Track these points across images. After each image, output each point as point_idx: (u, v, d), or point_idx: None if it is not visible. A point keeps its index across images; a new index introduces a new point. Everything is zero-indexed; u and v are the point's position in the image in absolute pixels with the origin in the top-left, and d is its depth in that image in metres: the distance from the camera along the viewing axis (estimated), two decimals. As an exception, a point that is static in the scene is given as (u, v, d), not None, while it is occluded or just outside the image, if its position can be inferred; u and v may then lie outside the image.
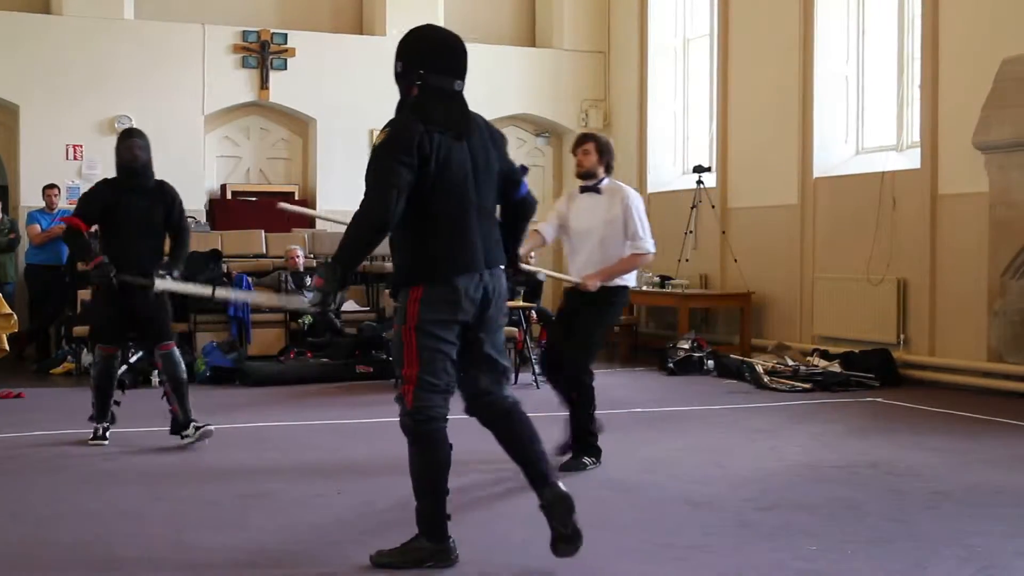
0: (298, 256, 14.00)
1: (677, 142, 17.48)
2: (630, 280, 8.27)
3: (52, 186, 14.57)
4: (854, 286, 13.54)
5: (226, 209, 16.23)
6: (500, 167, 5.51)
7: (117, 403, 9.05)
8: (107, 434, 8.79)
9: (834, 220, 14.01)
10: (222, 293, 10.95)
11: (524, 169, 5.83)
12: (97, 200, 8.74)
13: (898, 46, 13.73)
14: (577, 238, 8.08)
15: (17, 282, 14.15)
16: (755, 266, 15.04)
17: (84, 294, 13.55)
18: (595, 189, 8.00)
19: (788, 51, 14.60)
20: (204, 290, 10.36)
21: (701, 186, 15.66)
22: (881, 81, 14.12)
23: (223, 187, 16.65)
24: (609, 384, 12.63)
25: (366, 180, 5.32)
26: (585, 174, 8.02)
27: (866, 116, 14.36)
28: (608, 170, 8.07)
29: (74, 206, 14.88)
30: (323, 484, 7.32)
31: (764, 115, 15.06)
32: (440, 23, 17.19)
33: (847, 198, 13.83)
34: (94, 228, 8.82)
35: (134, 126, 15.46)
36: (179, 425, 8.74)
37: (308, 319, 13.60)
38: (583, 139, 8.14)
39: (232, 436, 9.28)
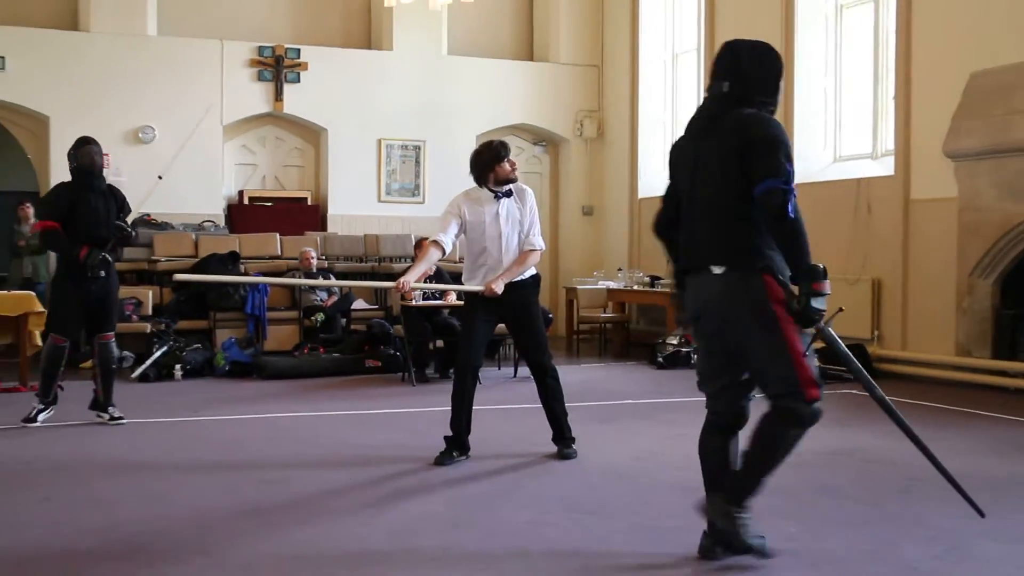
0: (311, 257, 14.00)
1: (665, 150, 17.38)
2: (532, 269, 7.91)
3: (82, 192, 14.59)
4: (833, 284, 13.50)
5: (243, 213, 16.23)
6: (732, 168, 4.95)
7: (60, 387, 9.30)
8: (39, 417, 9.01)
9: (813, 223, 13.77)
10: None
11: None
12: (63, 200, 8.99)
13: (873, 60, 13.76)
14: (492, 242, 7.70)
15: (48, 282, 14.15)
16: (739, 266, 15.04)
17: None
18: (508, 194, 7.76)
19: (770, 65, 14.60)
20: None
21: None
22: (857, 93, 14.17)
23: (240, 193, 16.64)
24: (602, 377, 12.70)
25: None
26: (509, 181, 7.77)
27: (843, 126, 14.40)
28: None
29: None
30: (335, 471, 7.36)
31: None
32: (444, 40, 17.40)
33: (825, 203, 13.80)
34: None
35: (157, 133, 15.61)
36: (98, 405, 9.19)
37: (320, 317, 13.63)
38: (504, 150, 7.81)
39: (250, 426, 9.37)
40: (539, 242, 7.83)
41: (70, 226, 8.85)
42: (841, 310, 5.49)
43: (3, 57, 15.23)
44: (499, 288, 7.51)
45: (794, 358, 4.97)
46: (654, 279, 15.61)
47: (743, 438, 5.27)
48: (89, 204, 8.94)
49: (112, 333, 9.22)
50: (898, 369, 12.52)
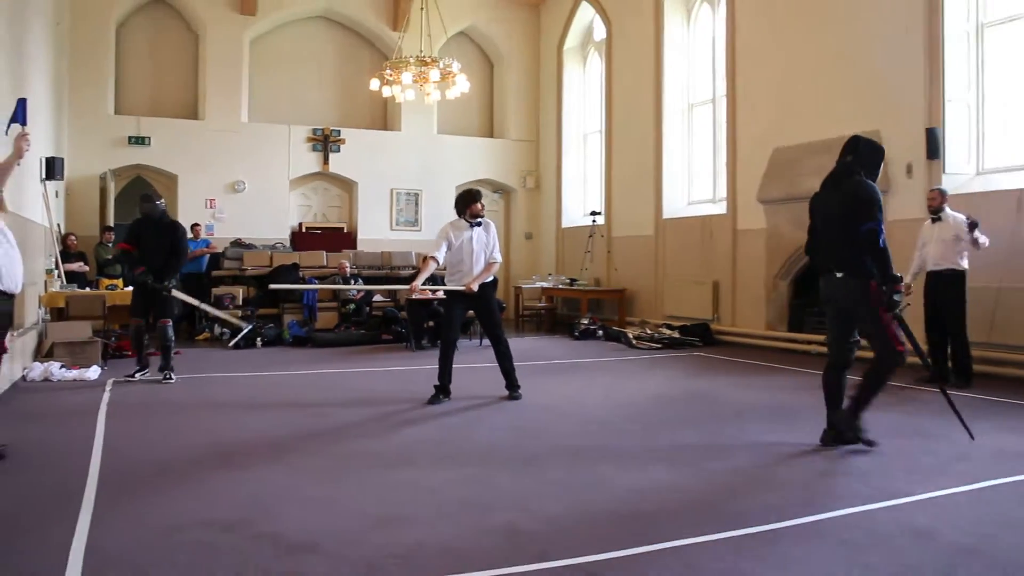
0: (346, 266, 13.95)
1: (580, 196, 17.55)
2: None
3: (197, 224, 14.50)
4: (688, 285, 13.65)
5: (302, 238, 16.15)
6: (848, 213, 5.53)
7: (178, 352, 9.33)
8: (137, 375, 8.84)
9: (675, 245, 14.14)
10: (205, 307, 11.06)
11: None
12: (134, 232, 9.05)
13: (713, 138, 13.86)
14: (467, 256, 7.74)
15: (173, 283, 14.06)
16: (628, 272, 15.14)
17: (217, 290, 13.53)
18: (478, 224, 7.80)
19: (647, 141, 14.70)
20: (193, 301, 10.57)
21: (595, 223, 15.76)
22: (703, 159, 14.23)
23: (300, 224, 16.54)
24: (538, 346, 12.71)
25: None
26: (478, 216, 7.81)
27: (694, 180, 14.47)
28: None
29: (208, 236, 14.94)
30: (360, 408, 7.34)
31: (634, 180, 15.14)
32: (434, 123, 17.37)
33: (683, 231, 13.94)
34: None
35: (243, 186, 15.49)
36: (160, 369, 8.87)
37: (352, 306, 13.57)
38: (478, 194, 7.90)
39: (305, 379, 9.30)
40: (498, 256, 7.89)
41: (139, 248, 8.94)
42: (908, 304, 5.98)
43: (149, 137, 15.15)
44: (475, 287, 7.58)
45: (887, 330, 5.51)
46: (572, 280, 15.67)
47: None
48: (149, 236, 8.95)
49: (168, 320, 8.94)
50: (730, 339, 12.60)
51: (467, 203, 7.80)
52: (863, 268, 5.49)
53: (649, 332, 12.90)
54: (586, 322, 13.95)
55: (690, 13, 14.42)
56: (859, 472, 5.02)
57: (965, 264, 8.35)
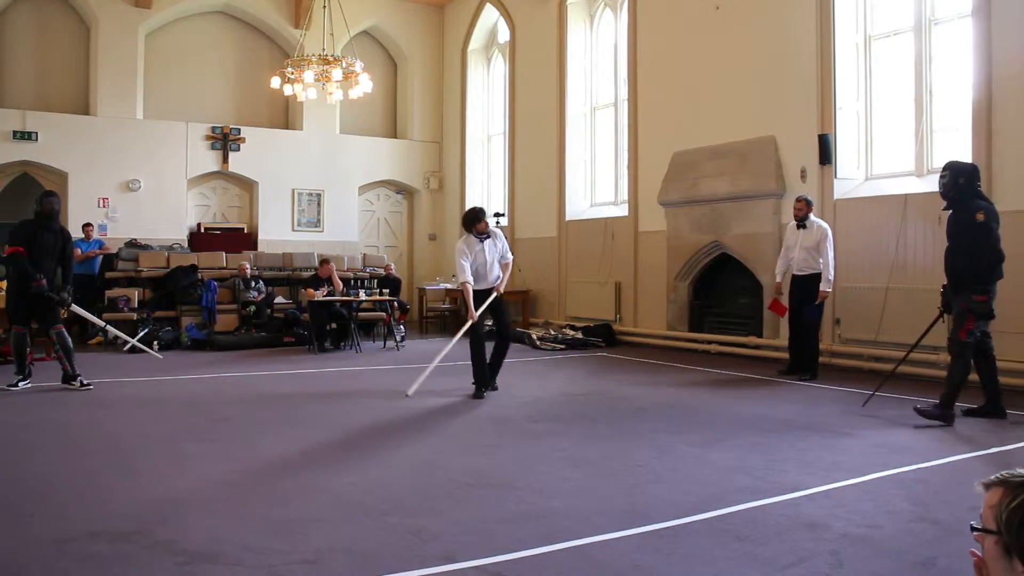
0: (246, 267, 13.68)
1: (484, 198, 17.57)
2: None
3: (88, 224, 14.00)
4: (590, 286, 13.81)
5: (200, 238, 15.74)
6: None
7: (32, 363, 8.69)
8: (20, 384, 8.33)
9: (578, 246, 14.30)
10: (110, 329, 10.76)
11: None
12: (28, 233, 8.35)
13: (615, 143, 14.07)
14: (482, 267, 8.37)
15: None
16: (532, 273, 15.23)
17: (111, 292, 13.08)
18: (487, 237, 8.40)
19: (550, 143, 14.84)
20: (98, 321, 10.27)
21: (499, 224, 15.75)
22: (605, 163, 14.44)
23: (199, 224, 16.13)
24: (441, 347, 12.68)
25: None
26: (484, 233, 8.37)
27: (597, 184, 14.67)
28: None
29: (101, 237, 14.42)
30: (262, 410, 7.23)
31: (537, 182, 15.26)
32: (337, 123, 17.17)
33: (585, 233, 14.11)
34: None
35: (138, 185, 15.02)
36: (68, 377, 8.42)
37: (252, 308, 13.30)
38: (482, 213, 8.44)
39: (206, 382, 9.08)
40: (510, 257, 8.69)
41: (31, 252, 8.28)
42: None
43: (37, 132, 14.54)
44: (503, 289, 8.58)
45: None
46: (476, 282, 15.70)
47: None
48: (44, 239, 8.36)
49: (60, 325, 8.49)
50: (632, 339, 12.80)
51: (473, 222, 8.37)
52: None
53: (552, 333, 13.00)
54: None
55: (593, 18, 14.63)
56: (756, 468, 5.17)
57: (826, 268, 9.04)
